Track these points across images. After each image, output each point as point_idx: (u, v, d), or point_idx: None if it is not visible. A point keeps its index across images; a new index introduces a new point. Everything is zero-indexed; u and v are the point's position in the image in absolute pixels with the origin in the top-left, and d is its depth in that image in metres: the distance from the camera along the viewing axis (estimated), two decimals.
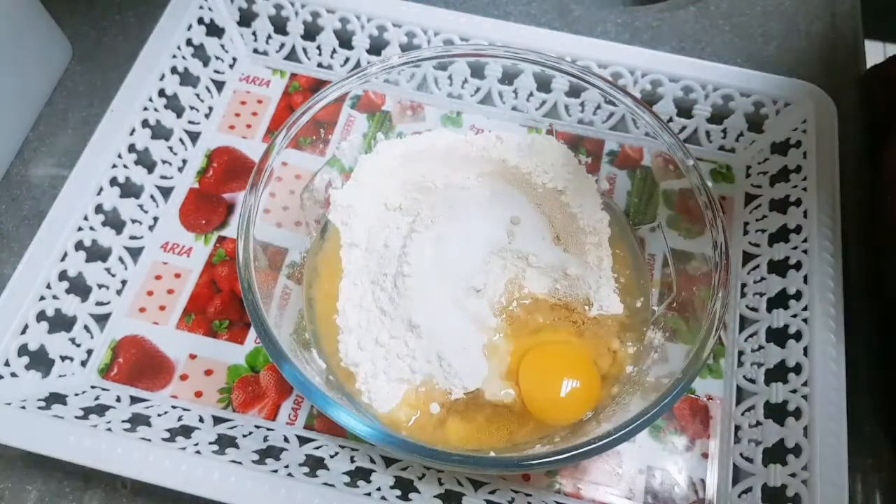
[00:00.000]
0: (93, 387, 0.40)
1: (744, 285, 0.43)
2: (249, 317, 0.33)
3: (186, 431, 0.37)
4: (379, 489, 0.35)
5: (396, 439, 0.31)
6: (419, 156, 0.42)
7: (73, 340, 0.40)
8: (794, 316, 0.40)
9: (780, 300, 0.41)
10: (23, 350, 0.38)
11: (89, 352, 0.41)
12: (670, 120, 0.48)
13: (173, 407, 0.39)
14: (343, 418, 0.31)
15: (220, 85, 0.50)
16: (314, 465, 0.36)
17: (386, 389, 0.36)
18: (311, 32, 0.50)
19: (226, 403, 0.41)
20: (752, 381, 0.40)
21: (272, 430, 0.39)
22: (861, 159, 0.48)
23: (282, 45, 0.51)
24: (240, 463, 0.35)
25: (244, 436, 0.38)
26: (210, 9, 0.50)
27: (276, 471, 0.35)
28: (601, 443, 0.30)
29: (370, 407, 0.36)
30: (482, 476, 0.37)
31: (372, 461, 0.38)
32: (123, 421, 0.37)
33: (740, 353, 0.41)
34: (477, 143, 0.42)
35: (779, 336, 0.40)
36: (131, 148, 0.44)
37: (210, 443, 0.36)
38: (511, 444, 0.36)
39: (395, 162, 0.42)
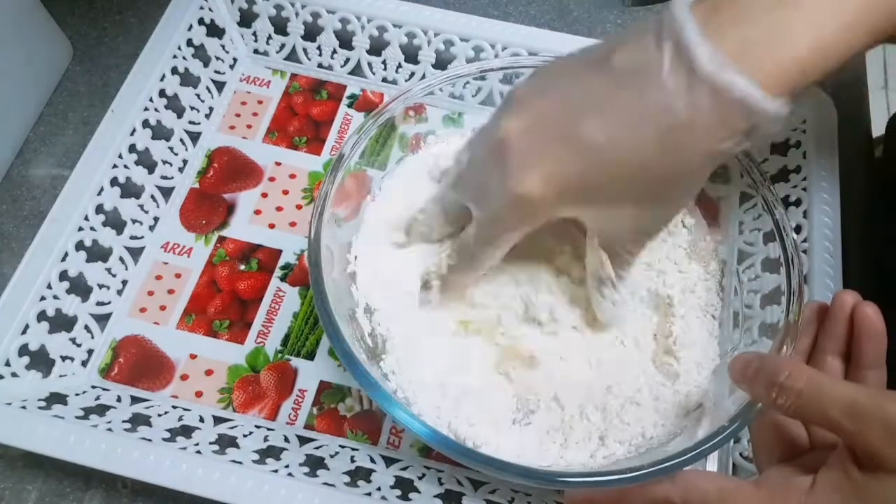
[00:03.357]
0: (93, 387, 0.40)
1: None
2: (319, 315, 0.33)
3: (187, 431, 0.37)
4: (379, 489, 0.35)
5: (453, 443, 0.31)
6: None
7: (73, 340, 0.40)
8: None
9: (774, 298, 0.41)
10: (23, 350, 0.38)
11: (90, 352, 0.41)
12: None
13: (174, 407, 0.39)
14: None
15: (220, 85, 0.50)
16: (314, 465, 0.36)
17: None
18: (311, 33, 0.50)
19: (226, 403, 0.41)
20: None
21: (272, 430, 0.39)
22: (861, 160, 0.48)
23: (282, 46, 0.51)
24: (240, 463, 0.35)
25: (244, 436, 0.38)
26: (210, 9, 0.50)
27: (276, 471, 0.35)
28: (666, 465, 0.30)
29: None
30: (482, 476, 0.37)
31: (372, 461, 0.38)
32: (124, 421, 0.37)
33: (734, 350, 0.41)
34: None
35: (773, 333, 0.40)
36: (132, 148, 0.44)
37: (210, 443, 0.36)
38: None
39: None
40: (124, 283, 0.43)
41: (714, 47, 0.25)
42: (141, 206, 0.44)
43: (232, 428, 0.38)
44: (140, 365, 0.41)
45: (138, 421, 0.37)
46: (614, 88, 0.27)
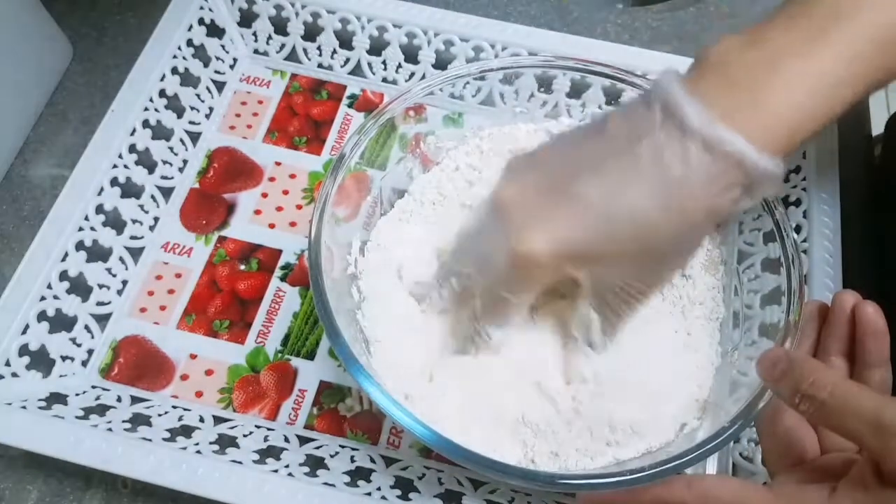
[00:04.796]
0: (93, 387, 0.40)
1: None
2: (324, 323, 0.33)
3: (187, 431, 0.37)
4: (379, 489, 0.35)
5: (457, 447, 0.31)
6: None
7: (73, 340, 0.40)
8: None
9: (774, 298, 0.41)
10: (23, 350, 0.38)
11: (90, 352, 0.41)
12: None
13: (174, 407, 0.39)
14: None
15: (220, 85, 0.50)
16: (314, 465, 0.36)
17: None
18: (311, 33, 0.50)
19: (226, 403, 0.41)
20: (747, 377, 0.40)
21: (272, 429, 0.39)
22: (861, 159, 0.48)
23: (282, 46, 0.51)
24: (240, 463, 0.35)
25: (244, 436, 0.38)
26: (211, 9, 0.50)
27: (276, 471, 0.35)
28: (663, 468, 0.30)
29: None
30: (482, 477, 0.37)
31: (372, 461, 0.38)
32: (124, 421, 0.37)
33: (734, 350, 0.41)
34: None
35: (773, 333, 0.40)
36: (132, 148, 0.44)
37: (210, 443, 0.36)
38: None
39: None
40: (124, 283, 0.43)
41: (702, 106, 0.26)
42: (141, 206, 0.44)
43: (232, 428, 0.38)
44: (140, 365, 0.41)
45: (138, 421, 0.37)
46: (609, 149, 0.28)
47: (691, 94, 0.26)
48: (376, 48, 0.50)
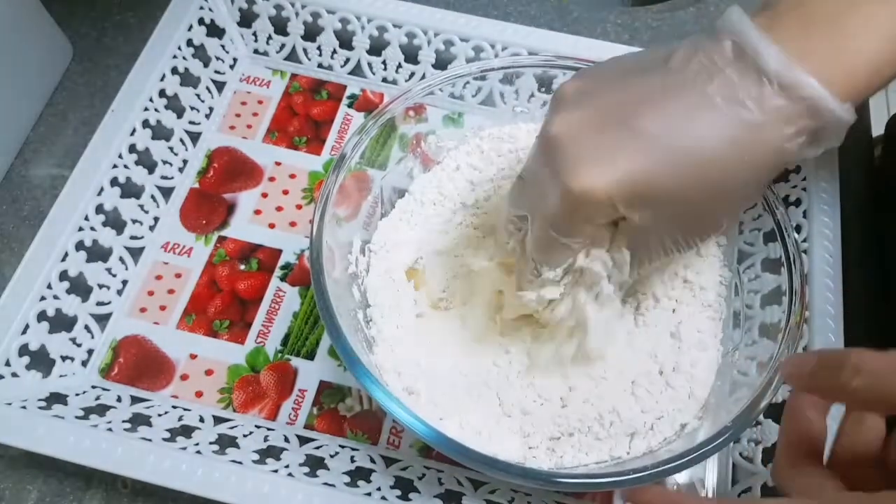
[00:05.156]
0: (93, 387, 0.40)
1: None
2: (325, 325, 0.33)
3: (187, 431, 0.37)
4: (379, 489, 0.35)
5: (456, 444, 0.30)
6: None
7: (73, 340, 0.40)
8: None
9: (775, 298, 0.41)
10: (23, 350, 0.38)
11: (90, 352, 0.41)
12: None
13: (174, 407, 0.39)
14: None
15: (220, 85, 0.50)
16: (314, 465, 0.36)
17: None
18: (311, 33, 0.50)
19: (226, 403, 0.41)
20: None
21: (272, 429, 0.39)
22: (861, 159, 0.48)
23: (282, 46, 0.51)
24: (240, 463, 0.35)
25: (244, 436, 0.38)
26: (210, 9, 0.50)
27: (276, 471, 0.35)
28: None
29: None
30: (482, 477, 0.37)
31: (372, 461, 0.38)
32: (124, 421, 0.37)
33: (734, 350, 0.41)
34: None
35: (774, 334, 0.40)
36: (132, 148, 0.44)
37: (210, 443, 0.36)
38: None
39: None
40: (124, 283, 0.43)
41: (779, 48, 0.25)
42: (141, 206, 0.44)
43: (232, 428, 0.38)
44: (140, 365, 0.41)
45: (138, 421, 0.37)
46: (673, 85, 0.27)
47: (765, 34, 0.25)
48: (376, 48, 0.50)
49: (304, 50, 0.51)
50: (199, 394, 0.41)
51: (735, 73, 0.26)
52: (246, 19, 0.51)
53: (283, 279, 0.44)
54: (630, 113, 0.27)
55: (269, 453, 0.36)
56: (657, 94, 0.27)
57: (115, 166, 0.43)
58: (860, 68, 0.26)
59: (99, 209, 0.42)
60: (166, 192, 0.46)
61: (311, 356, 0.42)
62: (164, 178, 0.46)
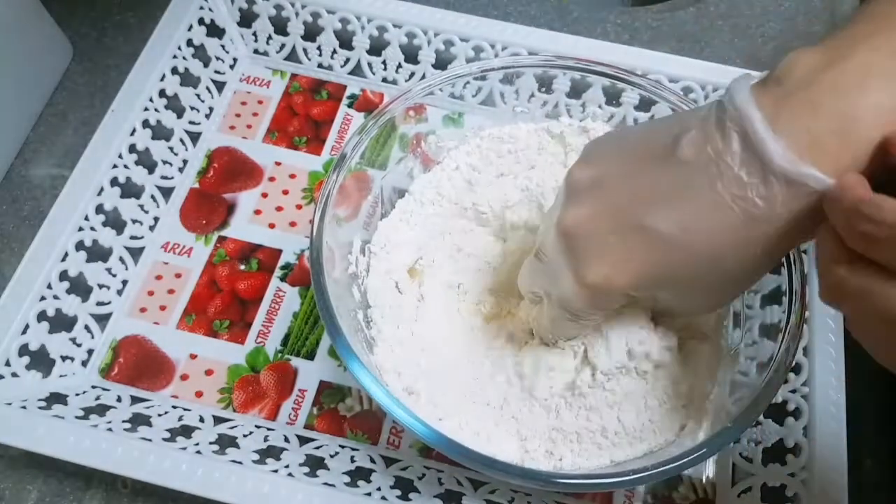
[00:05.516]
0: (93, 387, 0.40)
1: None
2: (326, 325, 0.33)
3: (187, 431, 0.37)
4: (379, 489, 0.35)
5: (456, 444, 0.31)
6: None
7: (73, 340, 0.40)
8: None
9: (775, 298, 0.41)
10: (23, 350, 0.38)
11: (90, 352, 0.41)
12: None
13: (174, 407, 0.39)
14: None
15: (220, 85, 0.50)
16: (314, 465, 0.36)
17: None
18: (311, 33, 0.50)
19: (226, 403, 0.41)
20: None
21: (272, 429, 0.39)
22: None
23: (282, 46, 0.51)
24: (240, 463, 0.35)
25: (244, 436, 0.38)
26: (210, 9, 0.50)
27: (276, 471, 0.35)
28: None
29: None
30: (482, 477, 0.37)
31: (372, 461, 0.38)
32: (124, 421, 0.37)
33: (735, 350, 0.41)
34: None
35: (774, 333, 0.40)
36: (132, 148, 0.44)
37: (210, 443, 0.36)
38: None
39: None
40: (124, 283, 0.43)
41: (785, 143, 0.25)
42: (141, 206, 0.44)
43: (232, 428, 0.38)
44: (140, 365, 0.41)
45: (138, 421, 0.37)
46: (683, 180, 0.27)
47: (773, 124, 0.25)
48: (376, 48, 0.50)
49: (304, 50, 0.51)
50: (199, 394, 0.41)
51: (744, 171, 0.26)
52: (246, 19, 0.51)
53: (283, 279, 0.44)
54: (642, 213, 0.28)
55: (269, 453, 0.37)
56: (668, 191, 0.28)
57: (115, 166, 0.43)
58: (870, 153, 0.25)
59: (99, 209, 0.42)
60: (166, 192, 0.46)
61: (311, 356, 0.42)
62: (164, 178, 0.46)
